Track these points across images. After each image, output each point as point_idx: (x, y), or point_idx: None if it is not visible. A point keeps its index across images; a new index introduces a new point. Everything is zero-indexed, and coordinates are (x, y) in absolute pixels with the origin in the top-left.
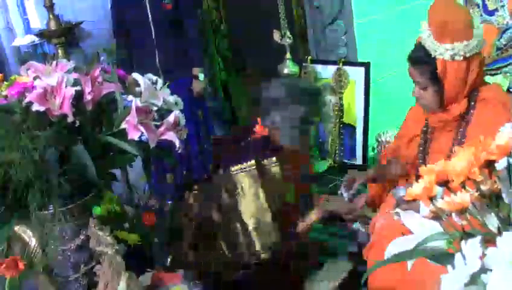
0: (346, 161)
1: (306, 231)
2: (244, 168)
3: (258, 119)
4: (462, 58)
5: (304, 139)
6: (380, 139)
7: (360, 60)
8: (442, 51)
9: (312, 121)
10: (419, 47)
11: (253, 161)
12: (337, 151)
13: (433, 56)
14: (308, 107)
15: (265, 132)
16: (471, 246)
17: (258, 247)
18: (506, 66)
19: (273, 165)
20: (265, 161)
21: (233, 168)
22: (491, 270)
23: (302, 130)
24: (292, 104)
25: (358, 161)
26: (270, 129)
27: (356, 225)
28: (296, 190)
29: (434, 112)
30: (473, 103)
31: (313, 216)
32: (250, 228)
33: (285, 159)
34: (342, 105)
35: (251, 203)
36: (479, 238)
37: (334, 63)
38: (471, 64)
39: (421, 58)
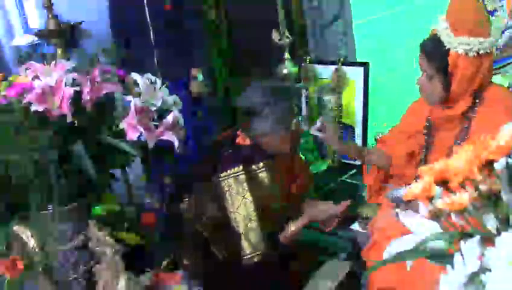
0: (345, 161)
1: (289, 241)
2: (232, 174)
3: (238, 132)
4: (475, 54)
5: (295, 136)
6: (379, 139)
7: (359, 60)
8: (457, 44)
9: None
10: (434, 38)
11: (240, 167)
12: (336, 152)
13: (446, 48)
14: (288, 104)
15: (247, 142)
16: (470, 246)
17: (247, 251)
18: (505, 65)
19: (260, 171)
20: (253, 166)
21: (221, 174)
22: (490, 270)
23: (289, 128)
24: (273, 105)
25: (358, 160)
26: (257, 138)
27: (356, 225)
28: (287, 196)
29: (436, 105)
30: (477, 101)
31: (293, 228)
32: (239, 232)
33: (277, 166)
34: (341, 105)
35: (239, 208)
36: (477, 238)
37: (333, 63)
38: (482, 63)
39: (433, 49)
